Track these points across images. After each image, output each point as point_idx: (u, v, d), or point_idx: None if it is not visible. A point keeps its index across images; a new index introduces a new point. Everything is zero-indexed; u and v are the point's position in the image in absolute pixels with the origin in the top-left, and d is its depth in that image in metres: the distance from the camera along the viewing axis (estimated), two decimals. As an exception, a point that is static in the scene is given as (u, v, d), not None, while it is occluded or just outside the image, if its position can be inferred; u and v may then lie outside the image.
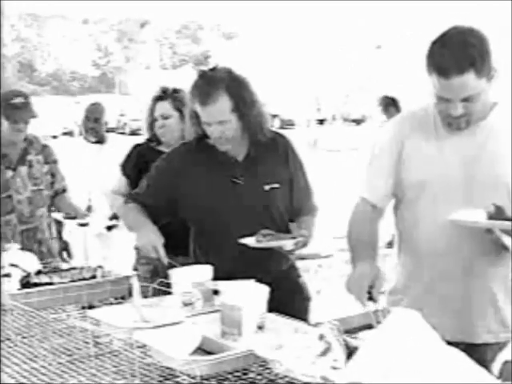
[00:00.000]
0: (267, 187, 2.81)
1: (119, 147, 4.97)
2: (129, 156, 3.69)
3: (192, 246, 2.95)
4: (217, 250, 2.79)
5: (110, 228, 4.57)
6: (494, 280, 2.38)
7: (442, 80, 2.20)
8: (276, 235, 2.68)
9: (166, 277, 2.51)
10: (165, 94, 3.54)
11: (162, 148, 3.57)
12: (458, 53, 2.18)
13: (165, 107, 3.53)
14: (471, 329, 2.38)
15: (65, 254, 4.54)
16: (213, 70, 2.79)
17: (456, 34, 2.23)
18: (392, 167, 2.41)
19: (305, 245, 2.75)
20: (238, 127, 2.76)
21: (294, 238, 2.70)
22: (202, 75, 2.77)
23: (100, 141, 5.24)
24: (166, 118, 3.52)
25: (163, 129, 3.55)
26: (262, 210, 2.81)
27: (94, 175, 5.02)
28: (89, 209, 4.19)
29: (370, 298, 2.15)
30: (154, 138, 3.63)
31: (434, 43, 2.25)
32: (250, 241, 2.66)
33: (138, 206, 2.91)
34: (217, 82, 2.71)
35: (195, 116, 2.80)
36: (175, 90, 3.57)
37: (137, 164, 3.57)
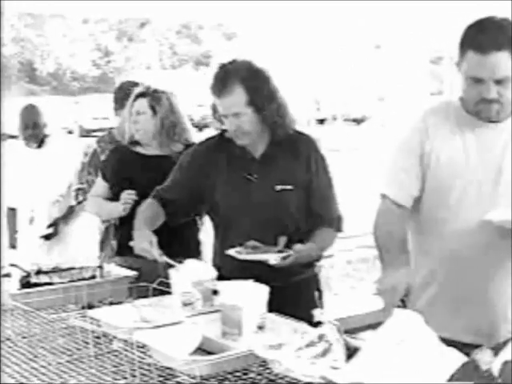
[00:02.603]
0: (279, 188, 2.72)
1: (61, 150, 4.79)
2: (107, 160, 3.59)
3: (213, 244, 2.92)
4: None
5: (47, 237, 4.57)
6: None
7: (478, 56, 2.19)
8: (262, 248, 2.59)
9: (167, 277, 2.51)
10: (146, 92, 3.51)
11: (138, 150, 3.49)
12: (496, 32, 2.20)
13: (141, 104, 3.46)
14: (493, 332, 2.35)
15: None
16: (232, 62, 2.74)
17: (494, 19, 2.25)
18: (418, 165, 2.36)
19: (298, 260, 2.58)
20: (255, 121, 2.70)
21: (280, 252, 2.58)
22: (221, 67, 2.73)
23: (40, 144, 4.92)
24: (138, 113, 3.47)
25: (136, 125, 3.45)
26: (271, 211, 2.71)
27: (36, 182, 4.75)
28: (31, 221, 4.17)
29: (402, 306, 2.10)
30: (131, 140, 3.51)
31: (471, 26, 2.26)
32: (232, 252, 2.60)
33: (153, 203, 2.86)
34: (232, 73, 2.67)
35: (217, 110, 2.76)
36: (155, 90, 3.52)
37: (116, 168, 3.47)
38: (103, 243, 3.93)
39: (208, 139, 2.95)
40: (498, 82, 2.21)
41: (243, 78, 2.66)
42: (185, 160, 2.93)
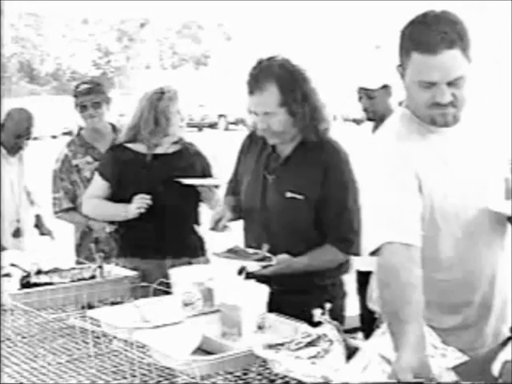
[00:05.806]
0: (289, 195, 2.57)
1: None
2: (106, 159, 3.51)
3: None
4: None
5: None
6: None
7: (427, 58, 1.91)
8: (244, 253, 2.53)
9: (166, 276, 2.51)
10: (164, 91, 3.46)
11: (137, 148, 3.40)
12: (444, 27, 1.92)
13: (171, 103, 3.45)
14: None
15: None
16: (270, 58, 2.57)
17: (438, 13, 1.97)
18: (415, 192, 2.00)
19: (281, 270, 2.48)
20: (287, 123, 2.55)
21: (262, 259, 2.49)
22: (258, 63, 2.58)
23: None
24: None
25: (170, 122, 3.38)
26: (278, 217, 2.61)
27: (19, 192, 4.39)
28: (17, 232, 4.08)
29: None
30: (133, 137, 3.40)
31: (411, 24, 1.98)
32: (212, 252, 2.58)
33: (230, 199, 2.81)
34: (268, 71, 2.52)
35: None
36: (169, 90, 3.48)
37: (115, 167, 3.40)
38: (79, 247, 3.89)
39: (252, 132, 2.79)
40: (452, 83, 1.93)
41: (278, 77, 2.51)
42: (237, 153, 2.86)
